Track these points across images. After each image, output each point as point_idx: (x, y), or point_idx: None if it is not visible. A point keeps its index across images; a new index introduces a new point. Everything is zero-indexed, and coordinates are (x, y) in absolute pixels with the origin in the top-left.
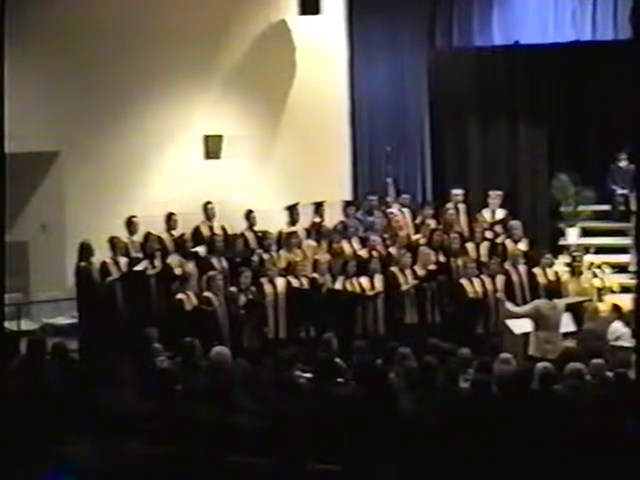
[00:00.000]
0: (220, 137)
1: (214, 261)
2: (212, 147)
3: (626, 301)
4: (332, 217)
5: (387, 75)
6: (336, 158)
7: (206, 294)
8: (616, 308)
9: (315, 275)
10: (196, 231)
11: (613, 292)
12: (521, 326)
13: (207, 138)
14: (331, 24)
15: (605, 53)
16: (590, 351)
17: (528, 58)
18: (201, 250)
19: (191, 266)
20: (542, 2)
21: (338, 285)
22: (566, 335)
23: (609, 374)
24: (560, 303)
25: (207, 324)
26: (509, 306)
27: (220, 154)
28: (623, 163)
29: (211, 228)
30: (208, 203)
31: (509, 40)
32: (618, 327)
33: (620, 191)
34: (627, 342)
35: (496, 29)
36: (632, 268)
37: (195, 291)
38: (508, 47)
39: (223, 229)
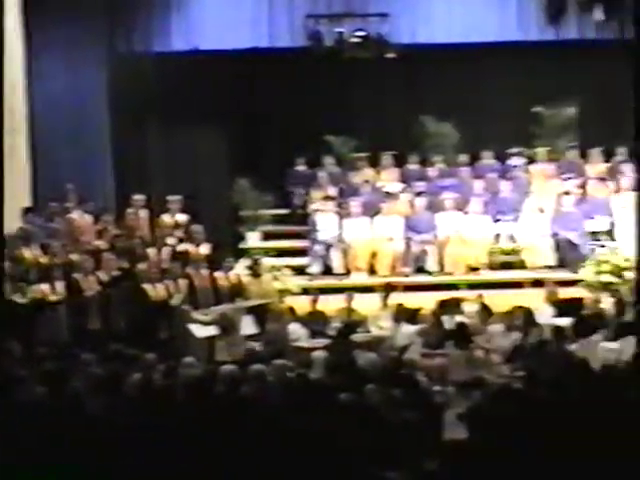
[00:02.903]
0: None
1: None
2: None
3: (305, 302)
4: (12, 224)
5: (67, 82)
6: (16, 165)
7: None
8: (291, 310)
9: None
10: None
11: (293, 294)
12: (204, 329)
13: None
14: (9, 24)
15: (282, 59)
16: (273, 352)
17: (209, 63)
18: None
19: None
20: (220, 10)
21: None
22: (249, 337)
23: (290, 374)
24: (241, 305)
25: None
26: (195, 315)
27: None
28: (301, 167)
29: None
30: None
31: (189, 46)
32: (295, 329)
33: (298, 195)
34: (305, 343)
35: (174, 35)
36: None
37: None
38: (188, 52)
39: None
